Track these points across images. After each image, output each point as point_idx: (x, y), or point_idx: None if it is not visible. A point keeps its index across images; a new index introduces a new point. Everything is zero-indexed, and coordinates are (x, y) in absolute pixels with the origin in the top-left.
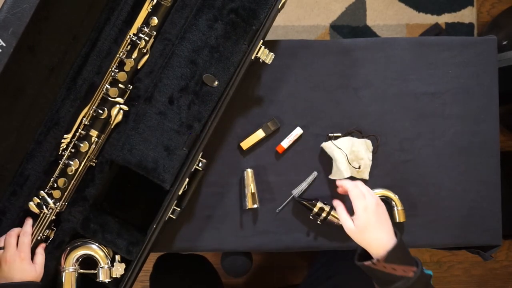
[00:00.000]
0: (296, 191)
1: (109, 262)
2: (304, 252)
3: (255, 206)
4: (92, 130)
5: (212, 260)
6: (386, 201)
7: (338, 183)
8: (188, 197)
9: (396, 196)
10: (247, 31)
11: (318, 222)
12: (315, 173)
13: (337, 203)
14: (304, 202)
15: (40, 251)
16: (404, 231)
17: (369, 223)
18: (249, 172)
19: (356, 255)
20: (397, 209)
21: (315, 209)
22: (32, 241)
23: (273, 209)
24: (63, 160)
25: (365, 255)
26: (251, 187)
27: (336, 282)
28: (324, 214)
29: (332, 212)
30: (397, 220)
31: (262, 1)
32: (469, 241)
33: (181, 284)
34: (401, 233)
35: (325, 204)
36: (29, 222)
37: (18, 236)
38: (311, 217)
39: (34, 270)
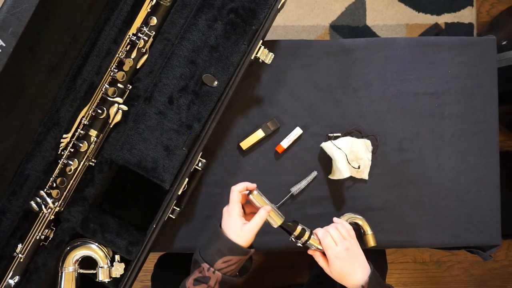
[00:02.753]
0: (295, 189)
1: (109, 262)
2: (304, 252)
3: (289, 222)
4: (92, 130)
5: None
6: (356, 226)
7: (316, 230)
8: (187, 197)
9: (364, 220)
10: (246, 31)
11: (298, 245)
12: (315, 173)
13: (311, 252)
14: (283, 226)
15: (257, 216)
16: (405, 231)
17: (343, 268)
18: (255, 195)
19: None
20: (367, 234)
21: (295, 233)
22: (31, 241)
23: None
24: (62, 159)
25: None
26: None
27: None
28: (304, 238)
29: (312, 237)
30: (368, 246)
31: (262, 1)
32: (469, 241)
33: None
34: (372, 262)
35: (306, 228)
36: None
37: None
38: (291, 239)
39: (242, 235)
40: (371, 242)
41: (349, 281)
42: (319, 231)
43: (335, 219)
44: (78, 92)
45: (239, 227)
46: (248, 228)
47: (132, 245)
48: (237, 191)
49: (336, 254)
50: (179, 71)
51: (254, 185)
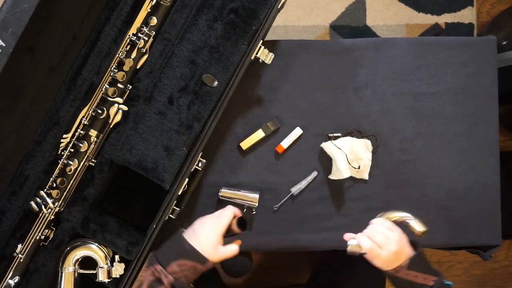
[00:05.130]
0: (295, 189)
1: (109, 262)
2: (304, 252)
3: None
4: (92, 130)
5: None
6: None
7: (355, 241)
8: (187, 197)
9: (402, 214)
10: (246, 31)
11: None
12: (315, 173)
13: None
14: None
15: (235, 246)
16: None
17: (392, 263)
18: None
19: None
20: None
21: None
22: (31, 241)
23: (273, 210)
24: (62, 160)
25: None
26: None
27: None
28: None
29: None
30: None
31: (262, 1)
32: (469, 241)
33: None
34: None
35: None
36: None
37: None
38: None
39: (207, 247)
40: (420, 227)
41: (397, 261)
42: (362, 240)
43: (372, 221)
44: (78, 92)
45: (214, 245)
46: (222, 251)
47: (132, 245)
48: (232, 214)
49: (384, 262)
50: (179, 71)
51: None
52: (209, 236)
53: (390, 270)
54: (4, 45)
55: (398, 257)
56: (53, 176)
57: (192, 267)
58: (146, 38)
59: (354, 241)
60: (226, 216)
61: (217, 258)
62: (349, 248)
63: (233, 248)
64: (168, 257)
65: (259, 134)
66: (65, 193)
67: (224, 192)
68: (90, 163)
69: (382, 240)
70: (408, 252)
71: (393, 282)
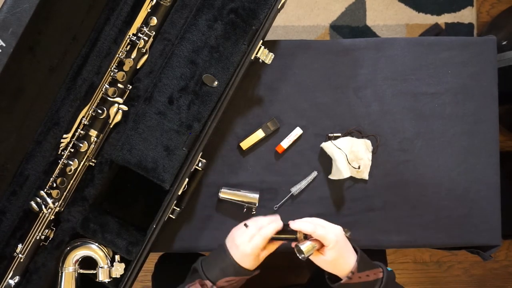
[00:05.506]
0: (295, 189)
1: (109, 262)
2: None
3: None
4: (92, 130)
5: None
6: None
7: (295, 226)
8: (187, 197)
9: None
10: (246, 31)
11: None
12: (315, 173)
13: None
14: (283, 236)
15: (267, 251)
16: (405, 231)
17: (339, 254)
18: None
19: (326, 279)
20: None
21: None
22: (31, 241)
23: (273, 210)
24: (62, 160)
25: (335, 277)
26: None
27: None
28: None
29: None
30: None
31: (262, 1)
32: (469, 241)
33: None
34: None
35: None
36: (278, 223)
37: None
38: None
39: (252, 262)
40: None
41: (343, 266)
42: (303, 226)
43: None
44: (78, 92)
45: (254, 258)
46: (262, 257)
47: (132, 245)
48: (267, 237)
49: (336, 239)
50: (179, 71)
51: (280, 226)
52: (251, 252)
53: (344, 281)
54: (4, 45)
55: (343, 251)
56: (53, 176)
57: (240, 280)
58: (146, 38)
59: (304, 244)
60: (268, 230)
61: (258, 263)
62: (304, 251)
63: (265, 253)
64: (216, 274)
65: (259, 134)
66: (65, 193)
67: (224, 192)
68: (90, 163)
69: (321, 221)
70: (350, 251)
71: None
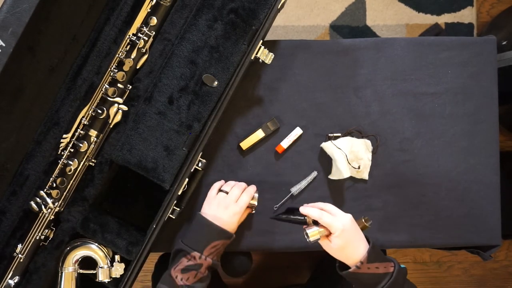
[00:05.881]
0: (295, 189)
1: (109, 262)
2: (304, 252)
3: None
4: (92, 130)
5: None
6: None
7: (304, 211)
8: (187, 197)
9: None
10: (246, 31)
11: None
12: (315, 173)
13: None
14: (292, 217)
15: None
16: (405, 231)
17: (348, 241)
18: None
19: (336, 267)
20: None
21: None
22: (31, 241)
23: (273, 210)
24: (62, 160)
25: (344, 265)
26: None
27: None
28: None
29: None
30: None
31: (262, 1)
32: (469, 241)
33: None
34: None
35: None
36: (253, 187)
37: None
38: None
39: (234, 226)
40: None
41: (352, 255)
42: (310, 211)
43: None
44: (78, 92)
45: (236, 223)
46: (240, 221)
47: (132, 245)
48: (250, 197)
49: (343, 228)
50: (179, 71)
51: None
52: (233, 219)
53: (352, 270)
54: (4, 45)
55: (352, 240)
56: (53, 176)
57: (223, 244)
58: (146, 38)
59: (311, 229)
60: (244, 201)
61: (236, 226)
62: (310, 235)
63: (243, 198)
64: (202, 242)
65: (259, 134)
66: (65, 193)
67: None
68: (90, 163)
69: (332, 208)
70: (361, 241)
71: (354, 281)
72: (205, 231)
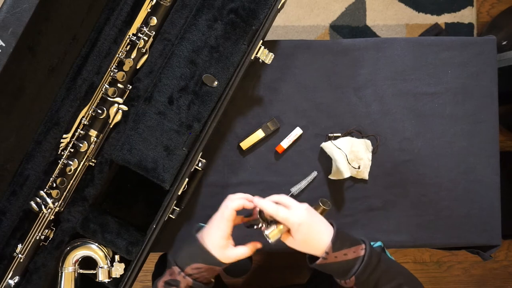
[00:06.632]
0: (295, 189)
1: (109, 262)
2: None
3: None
4: (92, 130)
5: None
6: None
7: (259, 204)
8: (187, 197)
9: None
10: (246, 31)
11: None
12: (315, 173)
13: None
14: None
15: (245, 249)
16: (405, 231)
17: (308, 234)
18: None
19: (307, 259)
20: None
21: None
22: (31, 241)
23: None
24: (62, 160)
25: (314, 257)
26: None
27: None
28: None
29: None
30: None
31: (262, 1)
32: (469, 241)
33: None
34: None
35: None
36: (244, 198)
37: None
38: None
39: (222, 253)
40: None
41: (317, 246)
42: (266, 205)
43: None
44: (78, 92)
45: (221, 247)
46: (232, 253)
47: (132, 245)
48: (233, 208)
49: (298, 221)
50: (179, 71)
51: (251, 205)
52: (215, 238)
53: (318, 262)
54: (4, 45)
55: (313, 231)
56: (53, 176)
57: (209, 269)
58: (146, 38)
59: (269, 229)
60: (229, 208)
61: (228, 260)
62: (270, 236)
63: (242, 252)
64: (185, 260)
65: (259, 134)
66: (65, 193)
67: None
68: (90, 163)
69: (286, 200)
70: (324, 230)
71: (326, 271)
72: (192, 249)
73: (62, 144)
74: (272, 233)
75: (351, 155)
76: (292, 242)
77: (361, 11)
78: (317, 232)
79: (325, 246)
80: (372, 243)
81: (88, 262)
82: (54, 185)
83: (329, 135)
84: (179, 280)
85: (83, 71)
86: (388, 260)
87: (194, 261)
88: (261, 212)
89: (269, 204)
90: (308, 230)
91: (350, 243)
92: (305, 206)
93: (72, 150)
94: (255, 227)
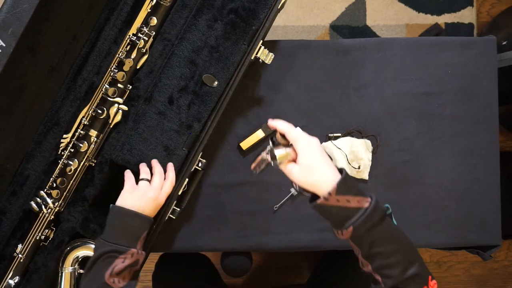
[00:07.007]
0: (295, 189)
1: None
2: (304, 252)
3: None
4: (92, 130)
5: (212, 260)
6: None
7: (271, 124)
8: (188, 197)
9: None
10: (246, 31)
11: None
12: None
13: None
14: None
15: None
16: (404, 231)
17: (314, 160)
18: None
19: (308, 198)
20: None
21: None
22: (31, 241)
23: (273, 210)
24: (62, 160)
25: (315, 197)
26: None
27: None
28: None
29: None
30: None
31: (262, 1)
32: (469, 241)
33: (183, 280)
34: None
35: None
36: (172, 172)
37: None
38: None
39: (157, 209)
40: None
41: (321, 180)
42: (279, 124)
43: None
44: (78, 92)
45: (157, 206)
46: (163, 196)
47: None
48: (172, 183)
49: (308, 144)
50: (179, 71)
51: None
52: (157, 209)
53: (319, 201)
54: (4, 45)
55: (319, 163)
56: (53, 176)
57: (148, 233)
58: (146, 38)
59: (278, 150)
60: (173, 174)
61: (163, 200)
62: (278, 158)
63: (167, 185)
64: (134, 236)
65: (259, 134)
66: (65, 193)
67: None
68: (90, 163)
69: (299, 129)
70: (330, 167)
71: (324, 215)
72: (135, 224)
73: (62, 144)
74: (280, 154)
75: (351, 155)
76: (295, 171)
77: (361, 11)
78: (323, 165)
79: (329, 186)
80: (382, 204)
81: None
82: (54, 185)
83: (329, 135)
84: (137, 258)
85: (83, 71)
86: (391, 224)
87: (143, 232)
88: (272, 138)
89: (282, 123)
90: (314, 157)
91: (356, 192)
92: (316, 138)
93: (72, 150)
94: (263, 166)
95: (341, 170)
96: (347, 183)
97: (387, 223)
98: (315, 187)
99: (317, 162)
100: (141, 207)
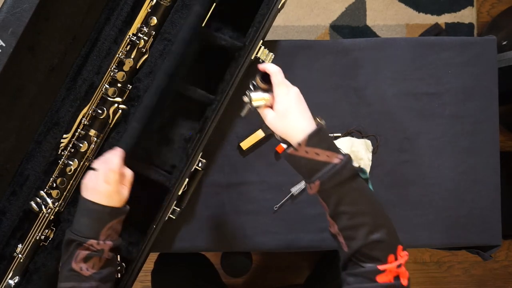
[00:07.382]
0: (295, 189)
1: None
2: (304, 252)
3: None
4: (92, 130)
5: (212, 260)
6: None
7: (261, 66)
8: (188, 197)
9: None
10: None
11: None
12: None
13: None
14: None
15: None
16: (405, 231)
17: (290, 106)
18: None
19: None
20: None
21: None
22: (31, 241)
23: (273, 210)
24: (62, 160)
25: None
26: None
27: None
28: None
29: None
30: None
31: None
32: (469, 241)
33: (182, 279)
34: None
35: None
36: (118, 150)
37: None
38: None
39: (122, 198)
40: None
41: (294, 128)
42: (268, 66)
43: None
44: (78, 92)
45: (117, 194)
46: (126, 190)
47: (132, 245)
48: (119, 157)
49: (287, 91)
50: None
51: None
52: (113, 189)
53: (289, 150)
54: (4, 45)
55: (295, 112)
56: (53, 176)
57: (118, 221)
58: (146, 38)
59: (255, 93)
60: (114, 161)
61: (126, 196)
62: (254, 101)
63: (128, 174)
64: (95, 229)
65: (259, 134)
66: (65, 193)
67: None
68: (90, 163)
69: (285, 80)
70: (305, 117)
71: (294, 166)
72: (95, 215)
73: (62, 144)
74: (256, 97)
75: (351, 155)
76: (270, 116)
77: (361, 11)
78: (298, 113)
79: (300, 136)
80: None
81: None
82: (54, 185)
83: (329, 135)
84: (101, 248)
85: (83, 71)
86: (363, 185)
87: (106, 223)
88: (256, 79)
89: (273, 65)
90: (291, 103)
91: (328, 146)
92: (296, 88)
93: (72, 150)
94: (246, 109)
95: (319, 124)
96: (320, 136)
97: (357, 183)
98: (287, 136)
99: (293, 110)
100: (96, 199)
